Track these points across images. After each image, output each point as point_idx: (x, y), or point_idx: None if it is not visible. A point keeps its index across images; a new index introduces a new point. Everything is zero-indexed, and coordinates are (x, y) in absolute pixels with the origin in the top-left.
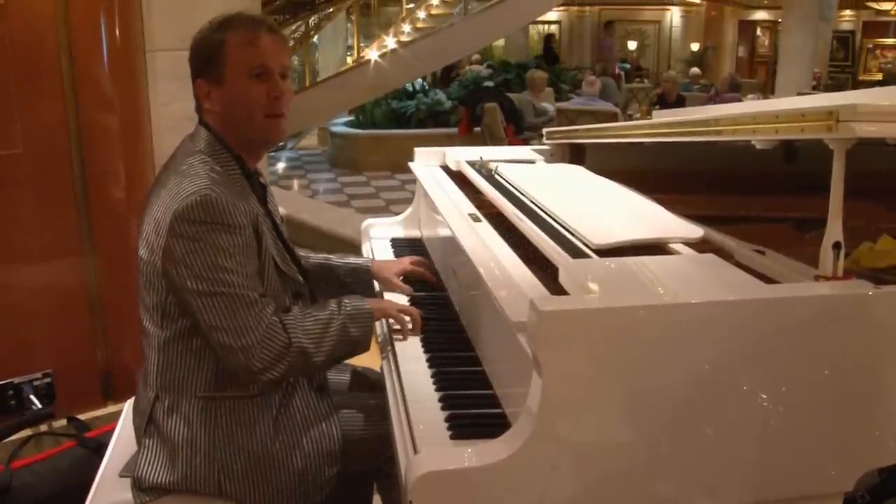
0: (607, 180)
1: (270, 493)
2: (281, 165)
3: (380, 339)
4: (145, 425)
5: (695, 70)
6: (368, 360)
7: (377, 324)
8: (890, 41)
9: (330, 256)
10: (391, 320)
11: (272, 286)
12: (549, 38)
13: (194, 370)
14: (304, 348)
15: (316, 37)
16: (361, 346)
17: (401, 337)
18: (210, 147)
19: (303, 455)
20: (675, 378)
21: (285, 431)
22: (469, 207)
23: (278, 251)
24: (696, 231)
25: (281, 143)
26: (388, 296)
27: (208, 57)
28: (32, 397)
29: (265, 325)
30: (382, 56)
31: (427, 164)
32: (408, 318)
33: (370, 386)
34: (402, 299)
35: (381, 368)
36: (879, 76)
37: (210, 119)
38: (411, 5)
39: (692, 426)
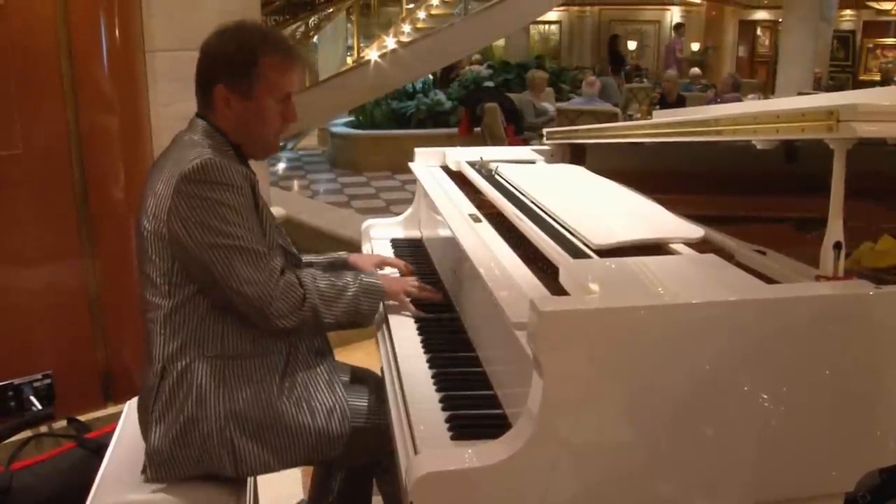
0: (608, 180)
1: (282, 449)
2: (281, 166)
3: (379, 341)
4: (153, 403)
5: (695, 70)
6: (368, 361)
7: (377, 327)
8: (890, 41)
9: (307, 256)
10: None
11: (274, 248)
12: (613, 39)
13: (202, 331)
14: (316, 307)
15: (316, 37)
16: (367, 320)
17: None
18: (209, 136)
19: (311, 409)
20: (675, 378)
21: (292, 387)
22: (469, 208)
23: (274, 225)
24: (696, 231)
25: (281, 144)
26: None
27: (240, 69)
28: (32, 398)
29: (283, 280)
30: (382, 56)
31: (427, 164)
32: (410, 302)
33: (370, 386)
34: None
35: (381, 370)
36: (880, 76)
37: (219, 121)
38: (411, 5)
39: (693, 426)
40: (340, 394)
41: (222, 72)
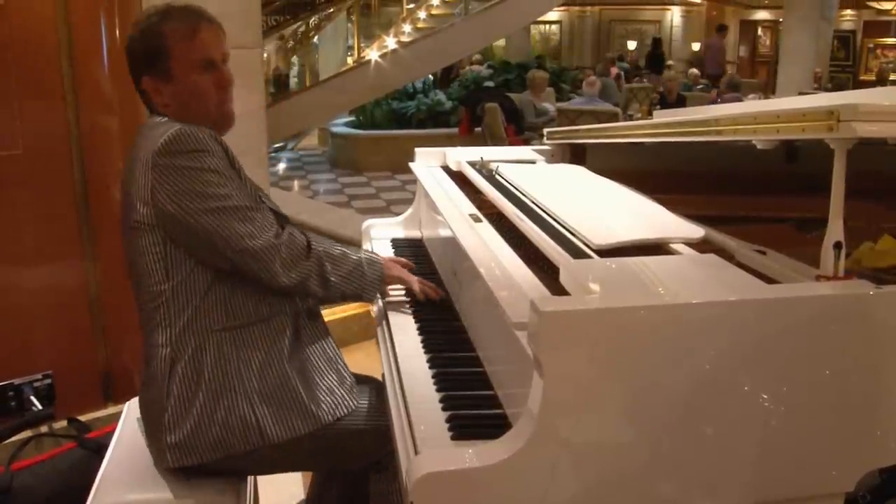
0: (608, 180)
1: (303, 410)
2: (281, 166)
3: (380, 341)
4: (167, 390)
5: (694, 71)
6: (368, 361)
7: (377, 327)
8: (891, 41)
9: None
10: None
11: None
12: (657, 41)
13: (206, 306)
14: (321, 260)
15: (316, 37)
16: (370, 291)
17: (406, 309)
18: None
19: (321, 368)
20: (675, 378)
21: (302, 348)
22: (470, 208)
23: (256, 187)
24: (696, 231)
25: (281, 144)
26: None
27: (150, 54)
28: (33, 398)
29: (286, 232)
30: (383, 56)
31: (427, 164)
32: (413, 283)
33: (370, 390)
34: None
35: (382, 373)
36: (875, 76)
37: (165, 111)
38: (412, 5)
39: (693, 426)
40: (339, 357)
41: (139, 63)
